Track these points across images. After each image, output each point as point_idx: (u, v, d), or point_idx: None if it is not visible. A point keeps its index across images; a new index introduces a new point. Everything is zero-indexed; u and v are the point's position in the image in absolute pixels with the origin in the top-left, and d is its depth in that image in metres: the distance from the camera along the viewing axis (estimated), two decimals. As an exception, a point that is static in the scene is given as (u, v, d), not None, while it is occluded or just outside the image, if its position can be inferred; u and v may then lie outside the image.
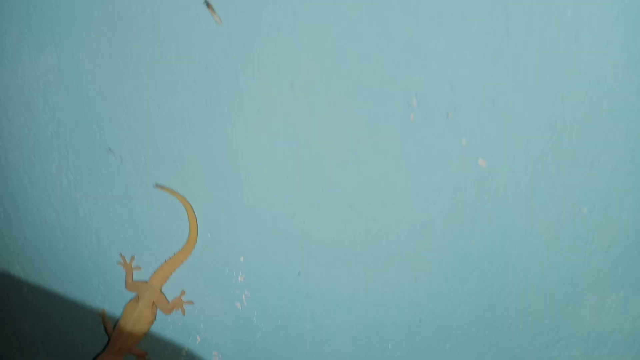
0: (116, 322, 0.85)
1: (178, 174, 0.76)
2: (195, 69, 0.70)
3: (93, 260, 0.87)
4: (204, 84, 0.71)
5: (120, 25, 0.72)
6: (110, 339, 0.84)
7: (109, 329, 0.86)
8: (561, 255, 0.65)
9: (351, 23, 0.63)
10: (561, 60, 0.58)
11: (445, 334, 0.72)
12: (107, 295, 0.88)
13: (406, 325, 0.73)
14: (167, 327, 0.86)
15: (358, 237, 0.71)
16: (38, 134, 0.82)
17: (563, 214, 0.63)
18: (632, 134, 0.59)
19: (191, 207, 0.77)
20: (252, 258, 0.77)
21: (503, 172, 0.63)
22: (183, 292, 0.82)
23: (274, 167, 0.72)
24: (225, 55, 0.69)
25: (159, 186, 0.78)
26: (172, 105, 0.73)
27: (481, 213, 0.66)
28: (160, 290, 0.82)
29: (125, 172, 0.79)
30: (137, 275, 0.84)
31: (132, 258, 0.83)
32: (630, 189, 0.61)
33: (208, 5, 0.61)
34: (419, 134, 0.65)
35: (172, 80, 0.72)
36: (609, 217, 0.62)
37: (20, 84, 0.80)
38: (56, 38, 0.76)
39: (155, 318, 0.83)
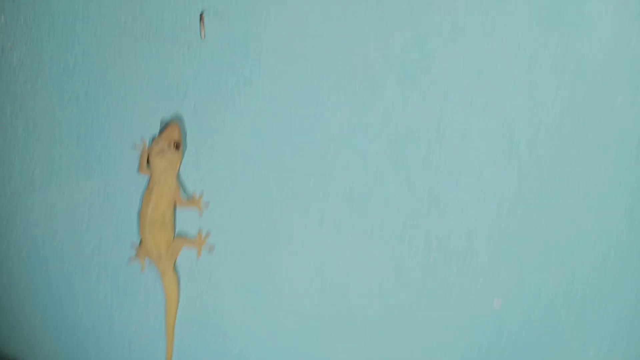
0: None
1: (210, 295, 0.82)
2: (231, 201, 0.77)
3: (123, 365, 0.91)
4: (239, 215, 0.77)
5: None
6: None
7: None
8: (571, 390, 0.69)
9: (377, 173, 0.69)
10: (570, 219, 0.64)
11: None
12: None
13: None
14: None
15: (379, 362, 0.76)
16: (80, 247, 0.88)
17: (572, 353, 0.68)
18: (635, 284, 0.64)
19: None
20: (277, 375, 0.82)
21: (517, 312, 0.68)
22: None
23: (302, 293, 0.77)
24: (260, 191, 0.75)
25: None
26: (209, 233, 0.79)
27: (496, 347, 0.70)
28: None
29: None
30: None
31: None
32: (634, 334, 0.65)
33: (201, 17, 0.64)
34: (439, 273, 0.70)
35: (210, 209, 0.78)
36: (615, 358, 0.67)
37: (66, 203, 0.87)
38: (103, 166, 0.83)
39: None
